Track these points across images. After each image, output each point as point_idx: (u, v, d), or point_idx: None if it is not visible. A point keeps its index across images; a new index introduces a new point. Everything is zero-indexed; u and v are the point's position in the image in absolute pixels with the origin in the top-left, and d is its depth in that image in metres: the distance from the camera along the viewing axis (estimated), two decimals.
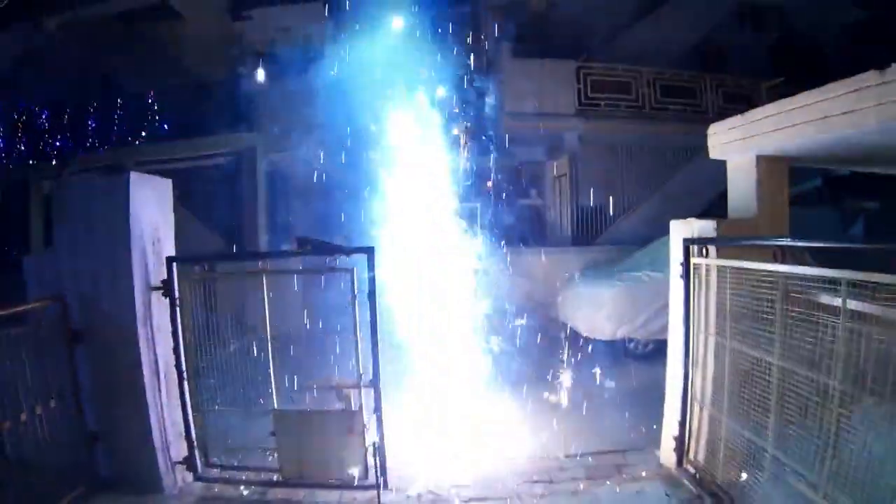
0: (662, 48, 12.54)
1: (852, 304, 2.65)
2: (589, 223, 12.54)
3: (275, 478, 4.47)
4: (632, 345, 8.15)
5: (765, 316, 3.36)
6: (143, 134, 13.99)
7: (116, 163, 13.25)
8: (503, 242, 8.74)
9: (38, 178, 14.12)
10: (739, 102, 11.15)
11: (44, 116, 14.78)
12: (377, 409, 4.23)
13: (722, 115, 4.29)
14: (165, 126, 13.92)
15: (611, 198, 12.45)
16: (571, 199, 12.43)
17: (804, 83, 3.27)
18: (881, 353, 2.53)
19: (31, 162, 14.52)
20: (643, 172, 12.57)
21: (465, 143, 6.93)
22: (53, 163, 14.06)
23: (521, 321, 8.16)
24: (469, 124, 6.96)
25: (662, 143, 12.26)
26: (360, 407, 4.21)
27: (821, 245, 2.92)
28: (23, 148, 14.89)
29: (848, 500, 2.73)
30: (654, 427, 4.88)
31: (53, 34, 13.28)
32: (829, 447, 2.84)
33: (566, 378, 6.91)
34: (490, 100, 12.30)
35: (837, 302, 2.73)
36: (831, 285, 2.79)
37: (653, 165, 12.59)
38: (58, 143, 14.56)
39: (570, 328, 8.84)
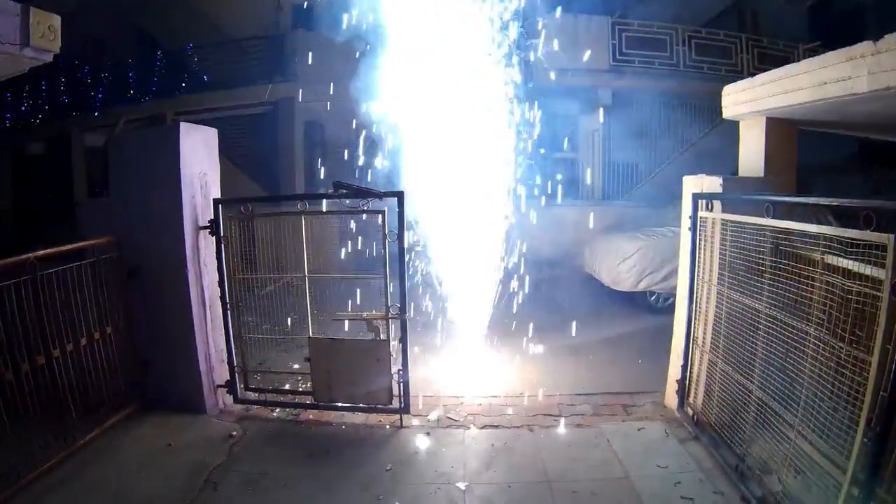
0: (699, 6, 12.36)
1: (830, 259, 2.89)
2: (620, 179, 12.67)
3: (307, 401, 4.91)
4: (653, 298, 8.37)
5: (756, 267, 3.60)
6: (183, 85, 14.18)
7: (157, 113, 13.67)
8: (535, 193, 8.94)
9: (79, 129, 14.63)
10: (776, 64, 10.94)
11: (85, 70, 14.99)
12: (403, 341, 4.59)
13: (757, 75, 4.41)
14: (205, 77, 14.11)
15: (643, 154, 12.51)
16: (603, 154, 12.52)
17: (843, 47, 3.35)
18: (852, 304, 2.76)
19: (73, 114, 14.85)
20: (676, 130, 12.55)
21: (500, 95, 7.04)
22: (96, 114, 14.49)
23: (549, 270, 8.38)
24: (505, 77, 7.04)
25: (696, 101, 12.18)
26: (388, 337, 4.57)
27: (812, 201, 3.13)
28: (65, 100, 15.17)
29: (815, 437, 3.00)
30: (665, 373, 5.14)
31: None
32: (802, 389, 3.10)
33: (586, 325, 7.20)
34: (525, 53, 12.30)
35: (818, 256, 2.97)
36: (814, 240, 3.01)
37: (686, 124, 12.56)
38: (100, 96, 14.84)
39: (595, 279, 9.11)
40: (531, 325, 6.95)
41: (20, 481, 3.67)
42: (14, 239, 11.96)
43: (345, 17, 7.40)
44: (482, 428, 4.63)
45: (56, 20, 4.11)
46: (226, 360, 5.01)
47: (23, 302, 3.83)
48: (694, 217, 4.45)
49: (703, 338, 4.42)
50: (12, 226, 14.43)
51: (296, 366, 5.42)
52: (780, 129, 4.38)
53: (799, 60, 3.68)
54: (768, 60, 11.63)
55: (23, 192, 15.64)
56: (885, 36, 2.90)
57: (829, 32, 11.83)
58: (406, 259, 4.56)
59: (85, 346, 4.41)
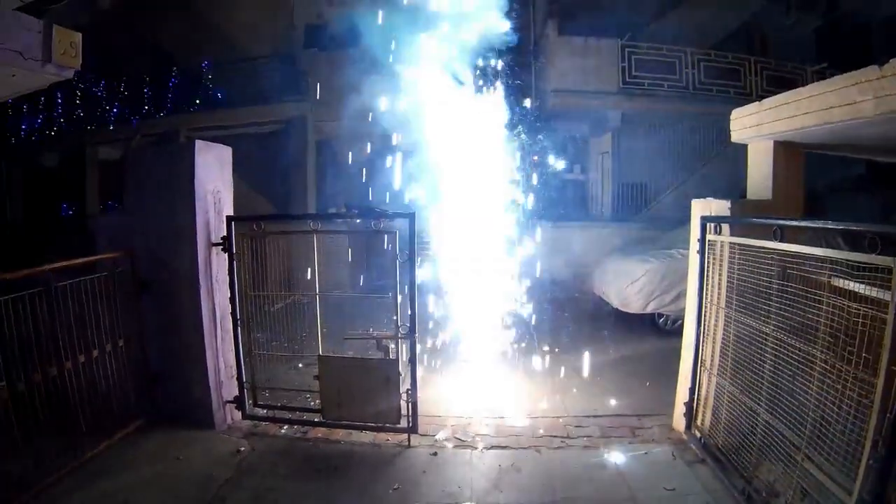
0: (708, 29, 12.44)
1: (837, 282, 2.92)
2: (629, 200, 12.71)
3: (315, 419, 4.94)
4: (661, 320, 8.34)
5: (764, 290, 3.61)
6: (197, 102, 14.34)
7: (171, 129, 13.83)
8: (546, 215, 8.97)
9: (93, 143, 14.80)
10: (784, 86, 10.99)
11: (100, 84, 15.13)
12: (412, 360, 4.62)
13: (765, 97, 4.42)
14: (219, 95, 14.27)
15: (652, 176, 12.55)
16: (613, 176, 12.58)
17: (851, 68, 3.38)
18: (858, 326, 2.77)
19: (87, 128, 15.00)
20: (685, 152, 12.60)
21: (511, 117, 7.10)
22: (110, 128, 14.65)
23: (558, 291, 8.40)
24: (515, 99, 7.12)
25: (705, 123, 12.23)
26: (397, 357, 4.61)
27: (819, 225, 3.15)
28: (80, 114, 15.30)
29: (822, 459, 3.00)
30: (673, 396, 5.12)
31: (107, 6, 13.78)
32: (809, 412, 3.10)
33: (595, 347, 7.19)
34: (536, 76, 12.41)
35: (824, 279, 2.99)
36: (820, 263, 3.04)
37: (695, 146, 12.62)
38: (114, 111, 14.97)
39: (604, 301, 9.10)
40: (539, 346, 6.96)
41: (30, 491, 3.71)
42: (25, 249, 12.07)
43: (357, 37, 7.51)
44: (490, 448, 4.63)
45: (77, 37, 4.21)
46: (235, 376, 5.05)
47: (37, 313, 3.90)
48: (702, 240, 4.48)
49: (711, 360, 4.43)
50: (23, 235, 14.55)
51: (304, 384, 5.44)
52: (788, 152, 4.42)
53: (807, 82, 3.75)
54: (777, 82, 11.68)
55: (35, 202, 15.82)
56: (891, 60, 2.95)
57: (836, 53, 11.87)
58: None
59: (96, 358, 4.47)
